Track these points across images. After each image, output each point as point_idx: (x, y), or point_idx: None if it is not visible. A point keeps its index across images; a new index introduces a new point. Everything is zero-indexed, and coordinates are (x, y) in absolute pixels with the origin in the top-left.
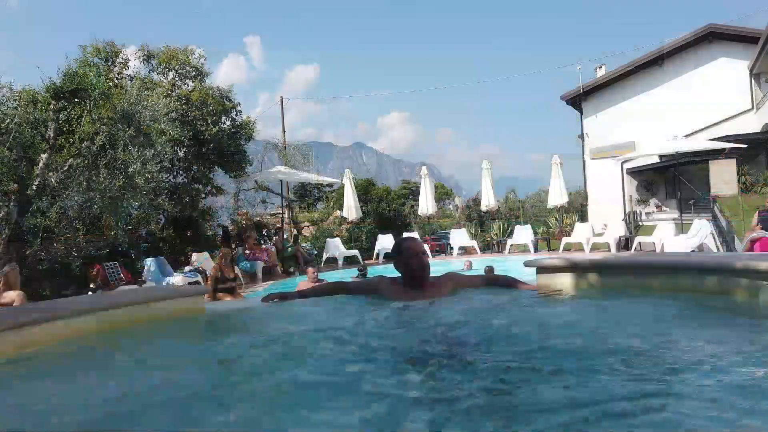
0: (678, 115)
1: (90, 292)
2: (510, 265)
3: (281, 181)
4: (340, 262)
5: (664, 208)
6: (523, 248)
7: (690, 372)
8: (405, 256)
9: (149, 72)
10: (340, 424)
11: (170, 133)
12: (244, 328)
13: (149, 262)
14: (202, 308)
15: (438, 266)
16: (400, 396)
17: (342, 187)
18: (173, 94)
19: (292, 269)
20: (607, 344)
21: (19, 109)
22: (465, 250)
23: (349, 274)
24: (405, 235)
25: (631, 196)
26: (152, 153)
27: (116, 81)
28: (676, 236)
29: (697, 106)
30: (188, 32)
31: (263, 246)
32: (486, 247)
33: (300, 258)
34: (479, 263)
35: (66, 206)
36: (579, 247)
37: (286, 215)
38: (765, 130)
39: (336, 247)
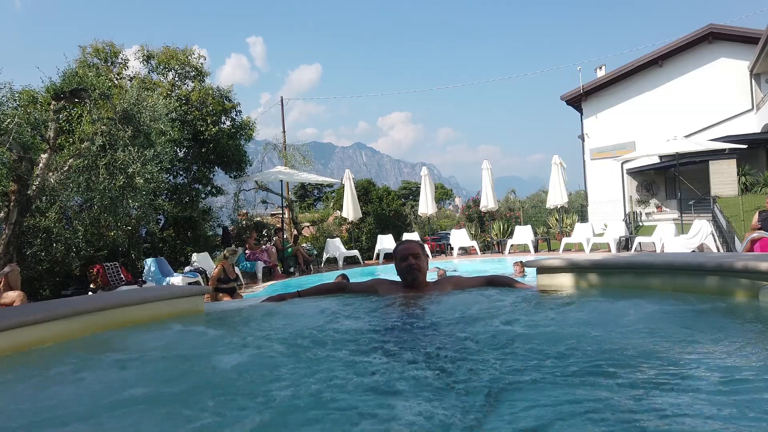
0: (678, 115)
1: (90, 292)
2: (509, 265)
3: (281, 181)
4: (341, 262)
5: (664, 208)
6: (524, 248)
7: (689, 372)
8: (397, 258)
9: (149, 72)
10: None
11: (170, 134)
12: (244, 327)
13: (149, 262)
14: (202, 308)
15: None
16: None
17: (342, 187)
18: (173, 94)
19: (292, 269)
20: (605, 344)
21: (19, 109)
22: (465, 251)
23: (349, 274)
24: (404, 236)
25: (631, 196)
26: (152, 153)
27: (116, 81)
28: (676, 236)
29: (697, 106)
30: (189, 32)
31: (263, 246)
32: (486, 248)
33: (300, 258)
34: (479, 263)
35: (66, 206)
36: (579, 248)
37: (286, 215)
38: (765, 130)
39: (336, 248)
